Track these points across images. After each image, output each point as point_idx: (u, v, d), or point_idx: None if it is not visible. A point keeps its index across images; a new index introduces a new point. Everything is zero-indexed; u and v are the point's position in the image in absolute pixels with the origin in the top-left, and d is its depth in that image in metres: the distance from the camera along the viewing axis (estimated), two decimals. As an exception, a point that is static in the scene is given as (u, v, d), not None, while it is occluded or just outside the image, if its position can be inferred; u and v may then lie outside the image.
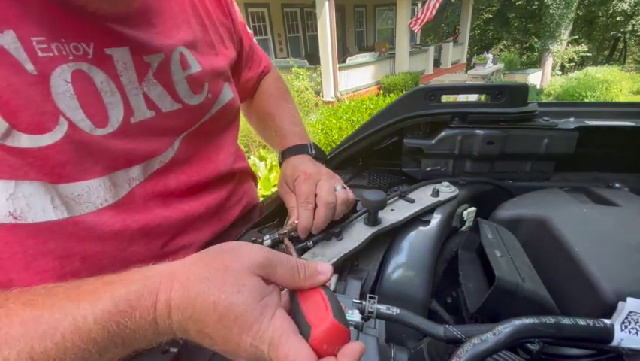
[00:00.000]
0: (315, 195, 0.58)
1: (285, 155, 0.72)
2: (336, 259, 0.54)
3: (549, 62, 13.69)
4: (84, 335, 0.29)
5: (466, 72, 12.12)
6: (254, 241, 0.58)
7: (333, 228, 0.59)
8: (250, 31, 0.80)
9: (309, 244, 0.57)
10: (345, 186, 0.62)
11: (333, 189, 0.58)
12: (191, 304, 0.30)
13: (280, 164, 0.72)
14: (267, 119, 0.83)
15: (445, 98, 0.75)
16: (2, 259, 0.39)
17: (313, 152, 0.72)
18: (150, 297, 0.30)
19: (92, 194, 0.45)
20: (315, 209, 0.56)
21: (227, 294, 0.29)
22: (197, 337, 0.31)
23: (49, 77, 0.39)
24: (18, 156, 0.37)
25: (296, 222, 0.56)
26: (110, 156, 0.46)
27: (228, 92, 0.66)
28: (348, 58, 9.84)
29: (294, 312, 0.33)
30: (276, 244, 0.57)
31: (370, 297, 0.40)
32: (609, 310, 0.37)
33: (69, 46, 0.41)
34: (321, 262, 0.37)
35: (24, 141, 0.37)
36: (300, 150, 0.72)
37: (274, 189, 0.73)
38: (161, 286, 0.31)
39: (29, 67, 0.37)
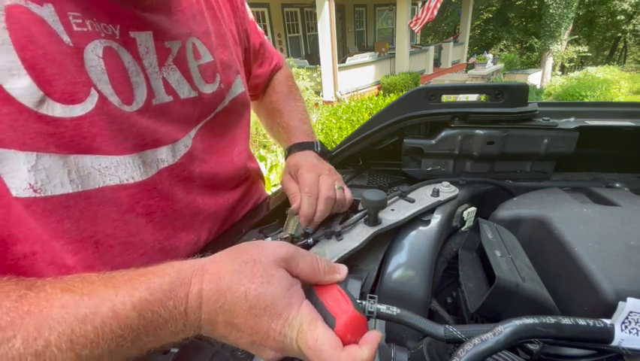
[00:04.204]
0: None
1: (291, 150, 0.73)
2: (336, 259, 0.54)
3: (549, 62, 13.69)
4: (122, 322, 0.30)
5: (466, 72, 12.12)
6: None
7: (334, 227, 0.59)
8: (261, 30, 0.81)
9: (310, 241, 0.57)
10: (344, 186, 0.62)
11: (333, 185, 0.60)
12: (222, 295, 0.31)
13: (285, 158, 0.73)
14: (275, 115, 0.84)
15: (445, 98, 0.75)
16: (28, 229, 0.39)
17: (319, 149, 0.73)
18: (183, 288, 0.32)
19: (120, 168, 0.46)
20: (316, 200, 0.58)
21: (257, 284, 0.31)
22: (225, 329, 0.32)
23: (83, 50, 0.40)
24: (51, 125, 0.38)
25: (296, 218, 0.57)
26: (138, 133, 0.47)
27: (240, 85, 0.67)
28: (348, 58, 9.83)
29: (315, 305, 0.34)
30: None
31: (370, 297, 0.40)
32: (609, 310, 0.37)
33: (100, 25, 0.42)
34: (338, 263, 0.39)
35: (58, 110, 0.38)
36: (306, 146, 0.73)
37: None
38: (194, 278, 0.32)
39: (66, 38, 0.39)
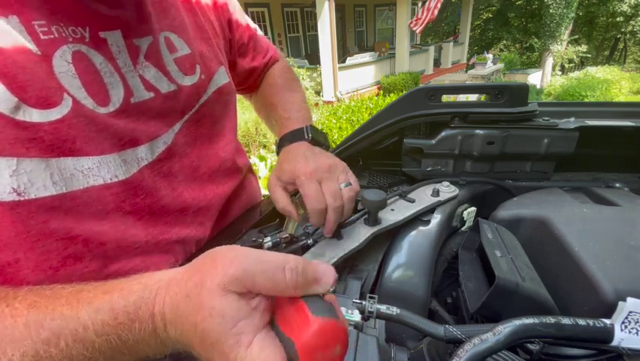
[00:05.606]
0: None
1: (280, 145, 0.68)
2: (336, 259, 0.54)
3: (549, 62, 13.70)
4: (88, 345, 0.29)
5: (466, 72, 12.12)
6: (254, 242, 0.58)
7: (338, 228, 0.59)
8: (253, 25, 0.80)
9: (310, 241, 0.57)
10: (350, 176, 0.58)
11: (338, 189, 0.55)
12: (180, 322, 0.29)
13: (277, 154, 0.68)
14: (270, 109, 0.82)
15: (445, 98, 0.76)
16: (9, 237, 0.39)
17: (310, 135, 0.67)
18: (147, 309, 0.30)
19: (103, 169, 0.46)
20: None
21: (201, 317, 0.28)
22: (193, 352, 0.31)
23: (51, 57, 0.41)
24: (30, 130, 0.38)
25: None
26: (115, 133, 0.47)
27: (224, 75, 0.66)
28: (348, 58, 9.83)
29: (276, 332, 0.29)
30: (277, 245, 0.57)
31: (370, 297, 0.40)
32: (609, 310, 0.37)
33: (67, 29, 0.43)
34: (325, 265, 0.31)
35: (35, 115, 0.39)
36: (295, 136, 0.68)
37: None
38: (157, 298, 0.30)
39: (33, 47, 0.39)
